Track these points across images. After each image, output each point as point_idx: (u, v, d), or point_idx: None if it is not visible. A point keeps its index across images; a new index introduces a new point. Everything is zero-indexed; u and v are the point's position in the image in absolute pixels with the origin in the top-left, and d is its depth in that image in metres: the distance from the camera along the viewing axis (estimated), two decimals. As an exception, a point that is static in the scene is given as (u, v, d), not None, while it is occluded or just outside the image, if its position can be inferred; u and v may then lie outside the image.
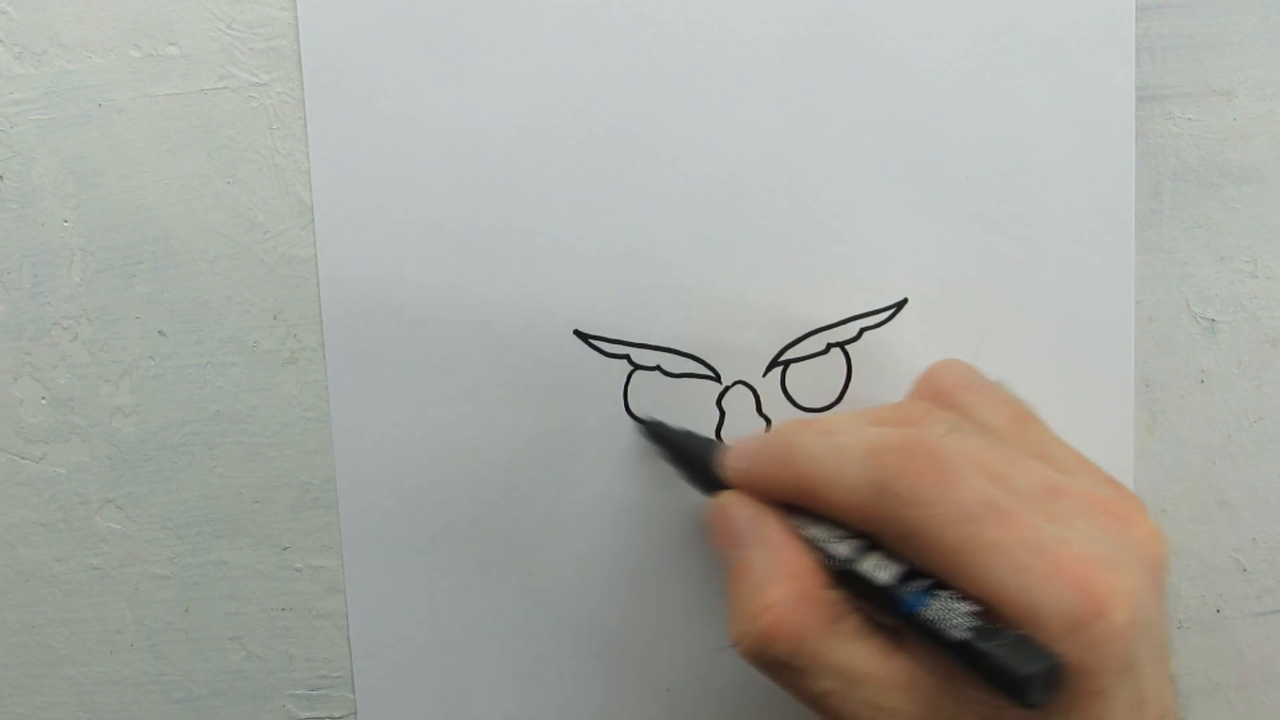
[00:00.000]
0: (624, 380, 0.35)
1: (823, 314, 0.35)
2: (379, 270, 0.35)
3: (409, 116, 0.34)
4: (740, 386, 0.35)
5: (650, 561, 0.36)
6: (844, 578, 0.27)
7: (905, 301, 0.35)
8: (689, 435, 0.34)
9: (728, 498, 0.30)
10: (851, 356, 0.35)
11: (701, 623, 0.36)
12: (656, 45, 0.34)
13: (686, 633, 0.37)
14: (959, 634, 0.24)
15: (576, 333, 0.35)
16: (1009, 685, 0.23)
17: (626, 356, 0.35)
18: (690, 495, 0.36)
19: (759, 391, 0.35)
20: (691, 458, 0.33)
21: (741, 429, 0.35)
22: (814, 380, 0.35)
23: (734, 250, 0.35)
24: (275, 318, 0.35)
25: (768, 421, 0.35)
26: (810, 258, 0.35)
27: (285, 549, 0.36)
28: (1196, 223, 0.35)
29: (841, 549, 0.27)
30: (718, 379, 0.35)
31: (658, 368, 0.35)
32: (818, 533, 0.28)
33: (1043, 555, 0.25)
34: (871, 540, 0.27)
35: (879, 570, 0.26)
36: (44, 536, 0.37)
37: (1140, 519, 0.27)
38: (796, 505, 0.29)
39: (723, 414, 0.35)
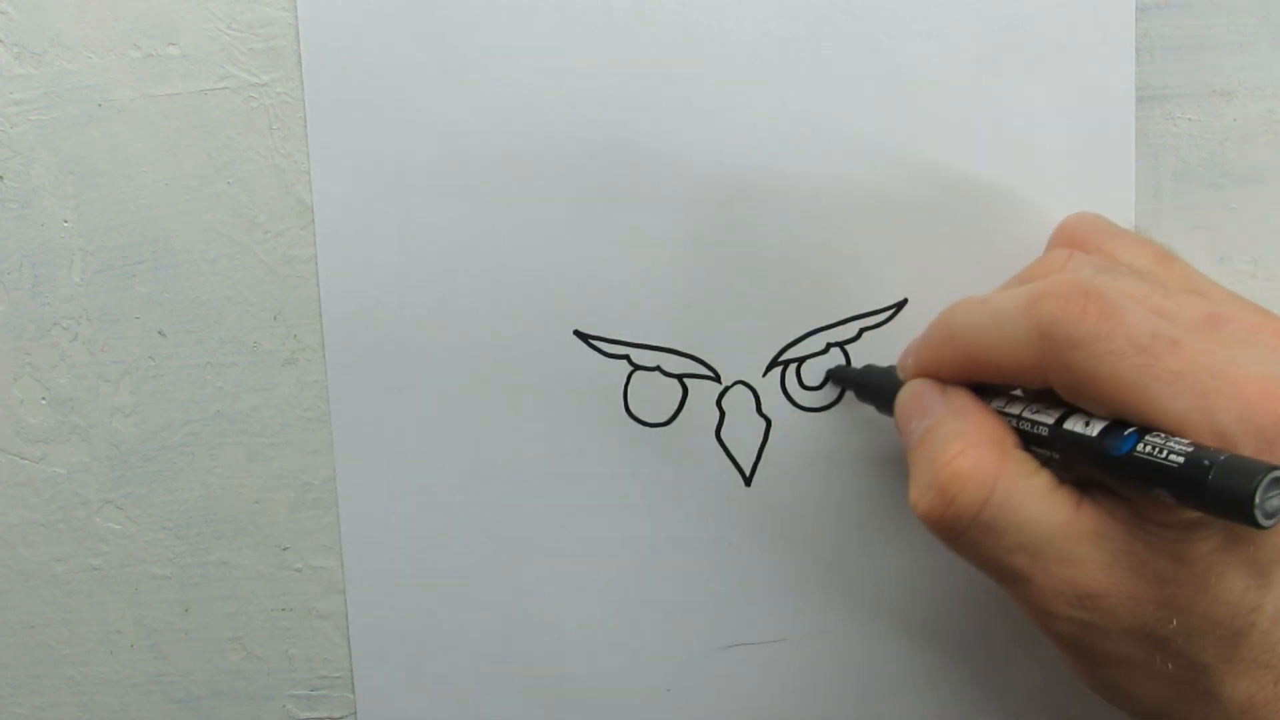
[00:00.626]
0: (624, 380, 0.35)
1: (823, 314, 0.35)
2: (379, 270, 0.35)
3: (409, 116, 0.34)
4: (740, 386, 0.35)
5: (650, 561, 0.36)
6: (1050, 438, 0.27)
7: (905, 301, 0.35)
8: (868, 369, 0.34)
9: (913, 383, 0.30)
10: (851, 356, 0.35)
11: (701, 623, 0.36)
12: (656, 45, 0.34)
13: (686, 633, 0.37)
14: (1178, 460, 0.23)
15: (576, 333, 0.35)
16: (1235, 507, 0.22)
17: (626, 357, 0.35)
18: (690, 495, 0.36)
19: (759, 391, 0.35)
20: (877, 387, 0.33)
21: (741, 429, 0.35)
22: (814, 380, 0.35)
23: (734, 250, 0.35)
24: (275, 318, 0.35)
25: (768, 421, 0.35)
26: (810, 258, 0.35)
27: (285, 549, 0.36)
28: (1196, 223, 0.35)
29: (1041, 419, 0.27)
30: (718, 379, 0.35)
31: (658, 368, 0.35)
32: (1010, 409, 0.28)
33: (1222, 379, 0.24)
34: (1063, 407, 0.27)
35: (1083, 426, 0.26)
36: (44, 536, 0.37)
37: None
38: (980, 387, 0.28)
39: (723, 414, 0.35)
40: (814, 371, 0.35)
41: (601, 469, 0.36)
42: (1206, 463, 0.23)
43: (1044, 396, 0.27)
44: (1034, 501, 0.26)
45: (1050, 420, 0.27)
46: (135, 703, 0.37)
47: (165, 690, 0.37)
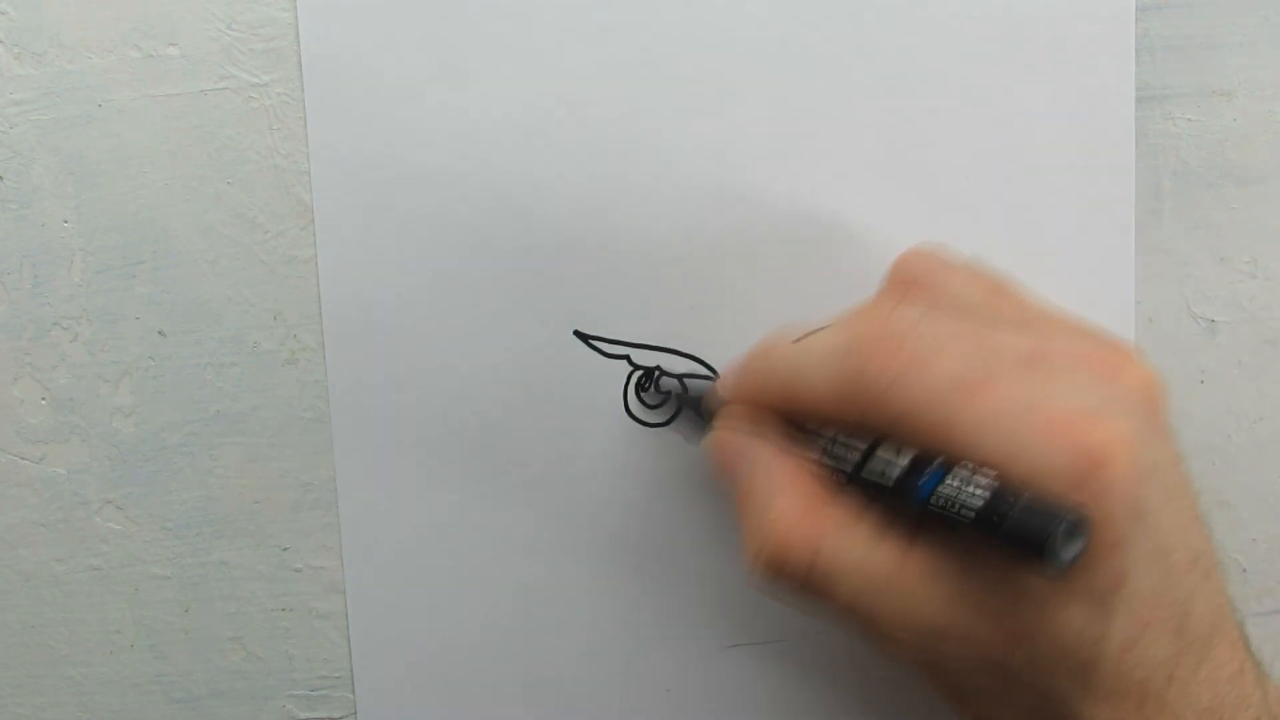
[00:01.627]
0: (624, 380, 0.35)
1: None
2: (379, 270, 0.35)
3: (409, 116, 0.34)
4: (740, 387, 0.35)
5: (650, 562, 0.36)
6: (854, 480, 0.27)
7: (905, 302, 0.35)
8: (684, 385, 0.34)
9: (718, 429, 0.30)
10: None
11: (701, 623, 0.36)
12: (656, 45, 0.34)
13: (686, 633, 0.36)
14: (973, 504, 0.23)
15: (576, 333, 0.35)
16: (1031, 550, 0.22)
17: (626, 357, 0.35)
18: (690, 495, 0.36)
19: (759, 392, 0.35)
20: (693, 404, 0.33)
21: (741, 429, 0.35)
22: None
23: (734, 250, 0.35)
24: (275, 318, 0.35)
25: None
26: (810, 258, 0.35)
27: (285, 549, 0.36)
28: (1196, 223, 0.35)
29: (848, 452, 0.27)
30: (718, 379, 0.35)
31: (658, 368, 0.35)
32: (822, 441, 0.28)
33: (1030, 416, 0.24)
34: (873, 438, 0.27)
35: (887, 466, 0.26)
36: (44, 537, 0.37)
37: (1130, 365, 0.26)
38: (793, 418, 0.28)
39: (723, 414, 0.35)
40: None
41: (601, 469, 0.36)
42: (1001, 510, 0.23)
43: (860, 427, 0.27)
44: (860, 551, 0.26)
45: (861, 447, 0.27)
46: (135, 703, 0.37)
47: (165, 690, 0.37)
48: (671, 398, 0.34)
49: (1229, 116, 0.35)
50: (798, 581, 0.27)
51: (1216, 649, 0.27)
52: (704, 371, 0.35)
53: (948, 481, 0.24)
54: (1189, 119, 0.35)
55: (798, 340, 0.29)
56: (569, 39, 0.34)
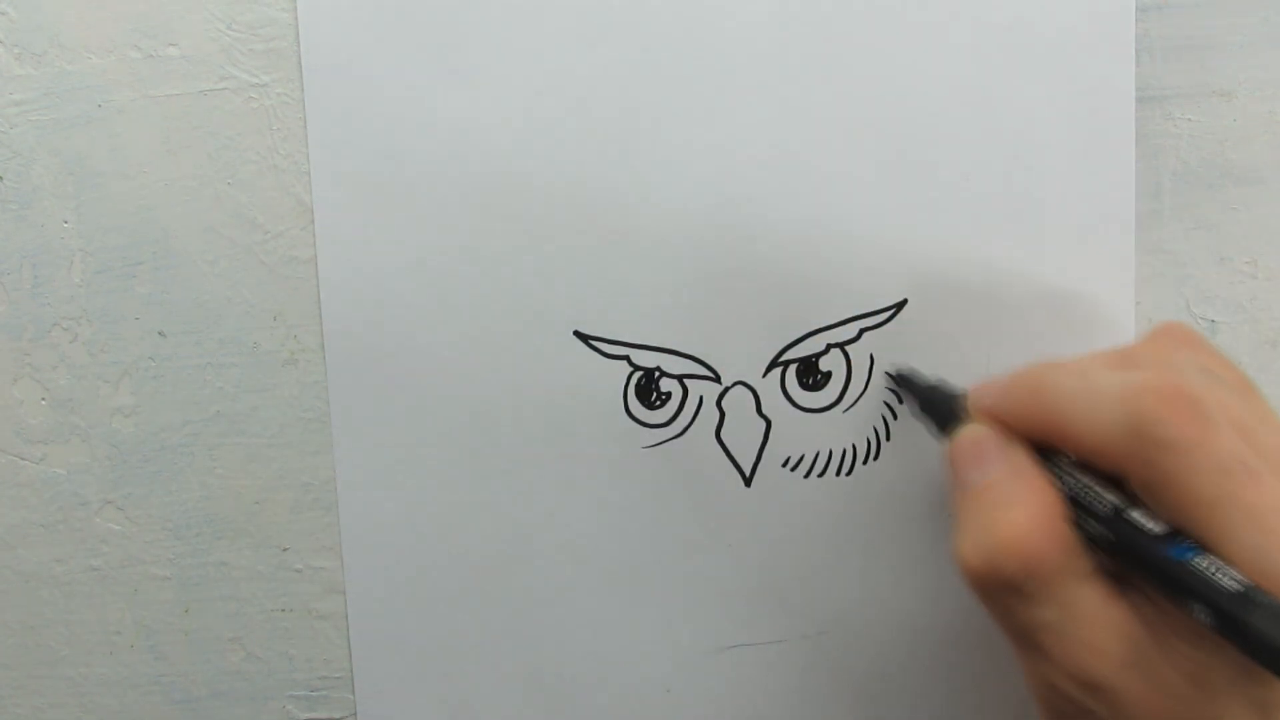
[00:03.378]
0: (624, 380, 0.35)
1: (823, 314, 0.35)
2: (379, 270, 0.35)
3: (409, 116, 0.34)
4: (740, 386, 0.35)
5: (650, 562, 0.36)
6: (1106, 523, 0.27)
7: (905, 302, 0.35)
8: (937, 385, 0.34)
9: (976, 428, 0.29)
10: (851, 356, 0.35)
11: (701, 623, 0.36)
12: (656, 45, 0.34)
13: (686, 633, 0.36)
14: (1225, 588, 0.24)
15: (576, 333, 0.35)
16: (1269, 652, 0.23)
17: (626, 357, 0.35)
18: (691, 496, 0.36)
19: (759, 391, 0.35)
20: (939, 411, 0.33)
21: (741, 429, 0.35)
22: (815, 381, 0.35)
23: (734, 251, 0.35)
24: (275, 318, 0.35)
25: (767, 422, 0.35)
26: (810, 258, 0.35)
27: (285, 550, 0.36)
28: (1196, 223, 0.35)
29: (1107, 497, 0.27)
30: (718, 379, 0.35)
31: (658, 368, 0.35)
32: (1073, 481, 0.28)
33: None
34: (1127, 495, 0.27)
35: (1147, 521, 0.26)
36: (44, 537, 0.37)
37: None
38: (1045, 450, 0.28)
39: (722, 414, 0.35)
40: (814, 371, 0.35)
41: (601, 469, 0.36)
42: (1255, 600, 0.23)
43: (1106, 476, 0.27)
44: (1074, 585, 0.26)
45: (1111, 500, 0.27)
46: (135, 703, 0.37)
47: (165, 691, 0.37)
48: (911, 384, 0.34)
49: (1229, 116, 0.35)
50: (1007, 588, 0.27)
51: None
52: (704, 372, 0.35)
53: (1199, 559, 0.24)
54: (1189, 119, 0.35)
55: (1071, 369, 0.28)
56: (569, 39, 0.34)
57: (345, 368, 0.35)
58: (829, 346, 0.35)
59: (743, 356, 0.35)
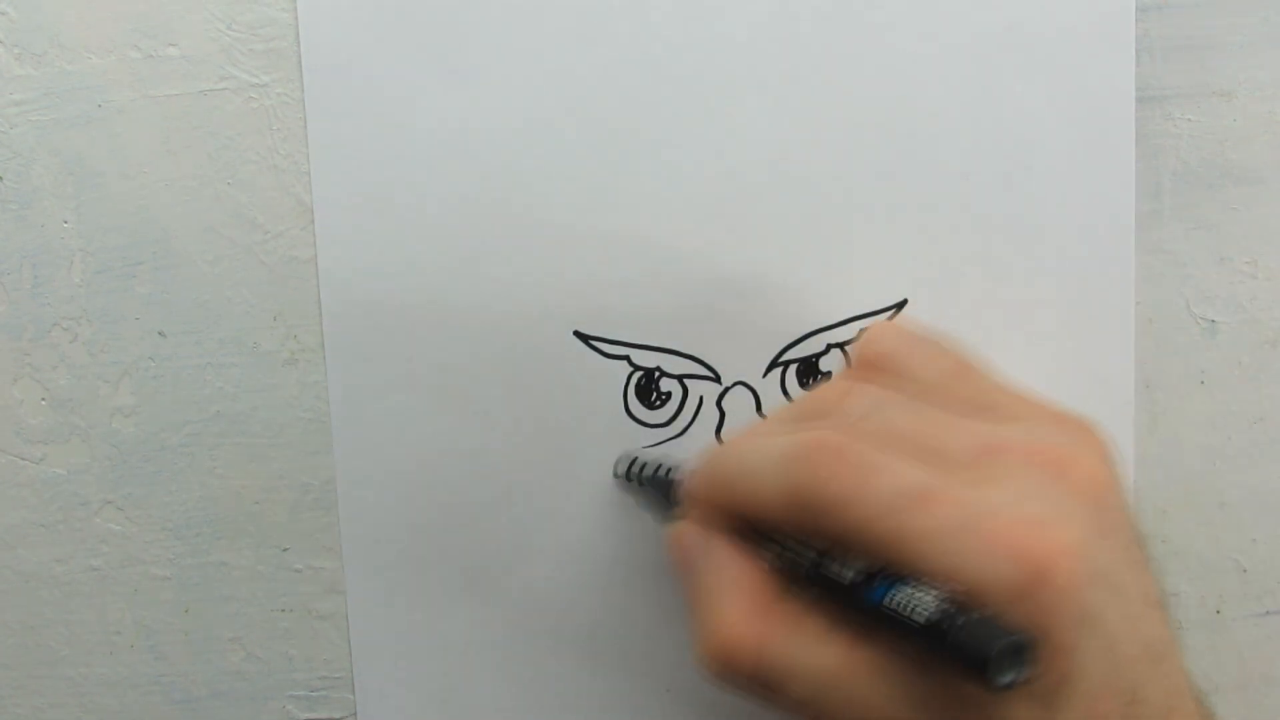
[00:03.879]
0: (624, 380, 0.35)
1: (823, 314, 0.35)
2: (379, 270, 0.35)
3: (409, 116, 0.34)
4: (740, 387, 0.35)
5: (650, 561, 0.36)
6: (810, 581, 0.27)
7: (905, 302, 0.35)
8: (657, 470, 0.34)
9: (678, 526, 0.30)
10: (851, 357, 0.35)
11: (701, 623, 0.36)
12: (656, 45, 0.34)
13: (686, 633, 0.36)
14: (920, 616, 0.24)
15: (576, 333, 0.35)
16: (975, 668, 0.23)
17: (627, 357, 0.35)
18: (690, 496, 0.36)
19: (759, 391, 0.35)
20: (656, 502, 0.33)
21: (741, 429, 0.35)
22: (814, 380, 0.35)
23: (734, 251, 0.35)
24: (275, 318, 0.35)
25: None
26: (810, 258, 0.35)
27: (285, 550, 0.36)
28: (1196, 223, 0.35)
29: (799, 556, 0.27)
30: (718, 379, 0.35)
31: (658, 368, 0.35)
32: (778, 548, 0.28)
33: (974, 531, 0.24)
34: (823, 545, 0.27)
35: (843, 569, 0.26)
36: (44, 537, 0.37)
37: (1080, 459, 0.26)
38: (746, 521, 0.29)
39: (722, 414, 0.35)
40: (814, 371, 0.35)
41: (601, 469, 0.36)
42: (945, 625, 0.23)
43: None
44: (805, 651, 0.26)
45: (810, 556, 0.27)
46: (135, 703, 0.37)
47: (165, 691, 0.37)
48: (642, 477, 0.34)
49: (1229, 116, 0.35)
50: (744, 679, 0.27)
51: None
52: (704, 372, 0.35)
53: (895, 591, 0.24)
54: (1189, 119, 0.35)
55: (748, 438, 0.29)
56: (569, 39, 0.34)
57: (345, 368, 0.35)
58: (829, 346, 0.35)
59: (743, 356, 0.35)
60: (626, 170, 0.34)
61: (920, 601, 0.24)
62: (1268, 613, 0.37)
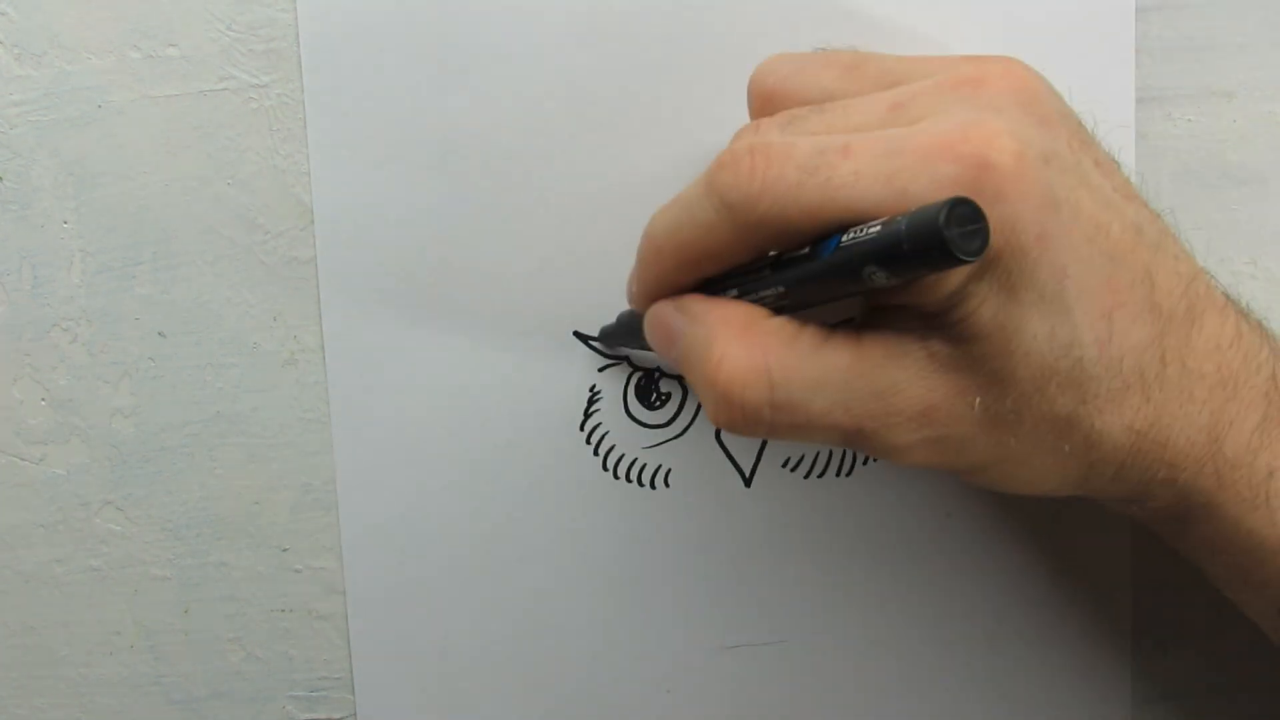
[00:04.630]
0: (624, 380, 0.35)
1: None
2: (379, 270, 0.35)
3: (409, 117, 0.34)
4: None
5: (650, 562, 0.36)
6: (787, 298, 0.26)
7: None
8: (620, 317, 0.33)
9: (650, 309, 0.29)
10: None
11: (701, 623, 0.36)
12: (656, 46, 0.34)
13: (686, 633, 0.36)
14: (869, 245, 0.22)
15: (576, 333, 0.35)
16: (932, 249, 0.21)
17: (627, 357, 0.35)
18: (690, 495, 0.36)
19: (759, 392, 0.35)
20: (627, 330, 0.33)
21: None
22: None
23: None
24: (275, 319, 0.35)
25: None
26: (810, 258, 0.35)
27: (285, 550, 0.36)
28: (1196, 224, 0.35)
29: (759, 263, 0.26)
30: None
31: (657, 369, 0.35)
32: (732, 285, 0.27)
33: (900, 152, 0.23)
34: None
35: (795, 253, 0.25)
36: (43, 538, 0.37)
37: (995, 68, 0.25)
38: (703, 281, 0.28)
39: (723, 414, 0.35)
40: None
41: (602, 470, 0.36)
42: (897, 229, 0.22)
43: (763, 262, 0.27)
44: (812, 359, 0.25)
45: (763, 263, 0.26)
46: (135, 704, 0.37)
47: (165, 691, 0.37)
48: (611, 333, 0.34)
49: (1229, 117, 0.35)
50: (764, 413, 0.25)
51: (1204, 318, 0.26)
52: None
53: (844, 238, 0.23)
54: (1189, 119, 0.35)
55: (667, 204, 0.28)
56: (568, 39, 0.34)
57: (345, 368, 0.35)
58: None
59: (743, 357, 0.35)
60: (627, 170, 0.34)
61: (865, 236, 0.23)
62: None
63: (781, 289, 0.26)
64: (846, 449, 0.35)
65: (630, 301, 0.31)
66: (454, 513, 0.36)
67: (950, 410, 0.25)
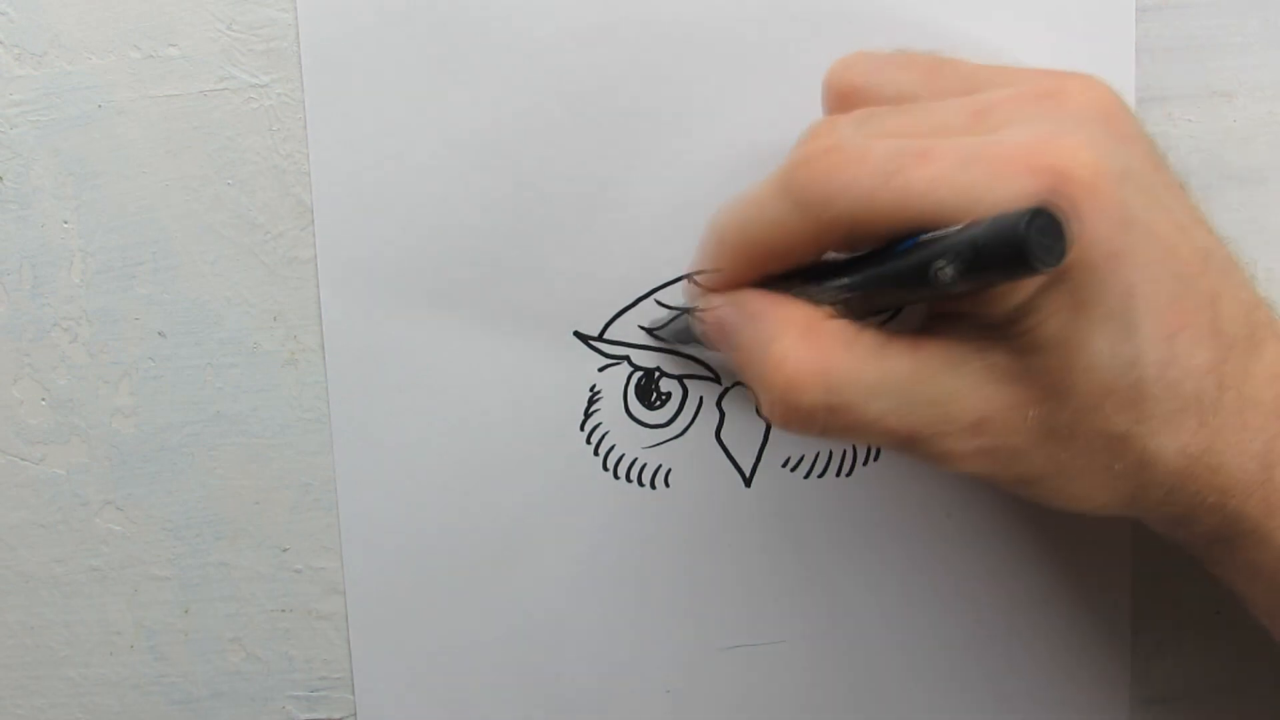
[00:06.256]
0: (624, 381, 0.35)
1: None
2: (379, 270, 0.35)
3: (409, 116, 0.34)
4: (740, 387, 0.35)
5: (650, 562, 0.36)
6: (848, 307, 0.26)
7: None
8: (675, 313, 0.33)
9: (709, 302, 0.29)
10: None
11: (701, 623, 0.36)
12: (656, 45, 0.34)
13: (686, 633, 0.36)
14: (948, 249, 0.22)
15: (576, 333, 0.35)
16: (1013, 255, 0.21)
17: (627, 357, 0.35)
18: (690, 495, 0.36)
19: (759, 392, 0.35)
20: (683, 327, 0.33)
21: (741, 429, 0.35)
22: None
23: (734, 251, 0.35)
24: (275, 319, 0.35)
25: (767, 421, 0.35)
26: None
27: (285, 550, 0.36)
28: (1196, 223, 0.35)
29: (829, 265, 0.26)
30: (717, 380, 0.35)
31: (657, 369, 0.35)
32: (800, 281, 0.27)
33: (979, 160, 0.23)
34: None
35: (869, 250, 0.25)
36: (44, 538, 0.37)
37: (1076, 83, 0.25)
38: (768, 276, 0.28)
39: (722, 414, 0.35)
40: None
41: (601, 470, 0.36)
42: (975, 234, 0.22)
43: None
44: (870, 363, 0.25)
45: (833, 263, 0.26)
46: (135, 704, 0.37)
47: (165, 691, 0.37)
48: (662, 328, 0.34)
49: (1229, 117, 0.35)
50: (821, 414, 0.25)
51: (1264, 346, 0.26)
52: (704, 372, 0.35)
53: (920, 241, 0.23)
54: (1189, 119, 0.35)
55: (745, 196, 0.27)
56: (569, 39, 0.34)
57: (345, 368, 0.35)
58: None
59: (743, 357, 0.35)
60: (627, 170, 0.34)
61: (949, 234, 0.23)
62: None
63: (846, 291, 0.26)
64: (863, 448, 0.35)
65: (687, 296, 0.30)
66: (454, 513, 0.36)
67: (1005, 421, 0.25)
